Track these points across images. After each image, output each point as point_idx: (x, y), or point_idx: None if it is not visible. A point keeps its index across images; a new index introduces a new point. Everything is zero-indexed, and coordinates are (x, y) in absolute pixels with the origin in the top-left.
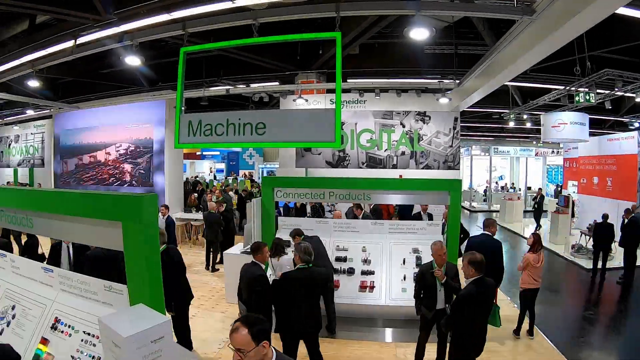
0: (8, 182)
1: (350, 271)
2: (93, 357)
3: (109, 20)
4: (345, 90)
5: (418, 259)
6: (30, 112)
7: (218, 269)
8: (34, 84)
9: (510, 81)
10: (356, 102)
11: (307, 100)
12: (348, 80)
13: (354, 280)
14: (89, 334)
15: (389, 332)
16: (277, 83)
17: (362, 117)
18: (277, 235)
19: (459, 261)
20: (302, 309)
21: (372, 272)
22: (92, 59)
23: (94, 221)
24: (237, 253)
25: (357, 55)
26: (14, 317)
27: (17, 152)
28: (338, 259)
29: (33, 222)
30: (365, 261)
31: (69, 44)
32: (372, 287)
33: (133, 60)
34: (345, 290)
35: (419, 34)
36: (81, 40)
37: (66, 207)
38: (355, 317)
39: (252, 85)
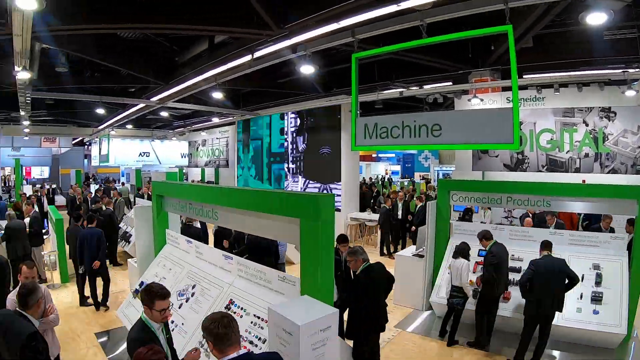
0: (192, 180)
1: None
2: (259, 338)
3: (281, 34)
4: (521, 87)
5: (598, 276)
6: (215, 120)
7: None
8: (217, 95)
9: None
10: (534, 99)
11: (482, 100)
12: (524, 76)
13: None
14: (258, 317)
15: (555, 355)
16: (450, 83)
17: (541, 115)
18: (451, 239)
19: None
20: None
21: None
22: (269, 69)
23: (274, 217)
24: (408, 255)
25: (531, 48)
26: (193, 295)
27: (204, 155)
28: (512, 270)
29: (218, 214)
30: None
31: (247, 58)
32: None
33: (307, 69)
34: (516, 304)
35: (595, 18)
36: (257, 54)
37: (249, 203)
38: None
39: (425, 87)
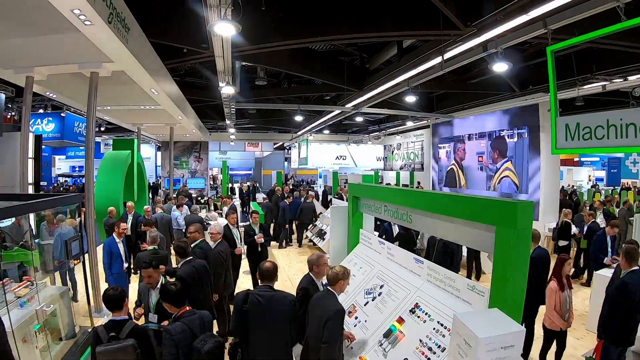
0: (387, 183)
1: None
2: (439, 345)
3: (470, 33)
4: None
5: None
6: (409, 124)
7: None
8: (410, 99)
9: None
10: None
11: None
12: None
13: None
14: (442, 324)
15: None
16: None
17: None
18: None
19: None
20: None
21: None
22: (460, 70)
23: (467, 222)
24: (607, 275)
25: None
26: (380, 294)
27: (399, 158)
28: None
29: (412, 218)
30: None
31: (437, 60)
32: None
33: (500, 67)
34: None
35: None
36: (447, 55)
37: (443, 207)
38: None
39: (630, 78)
